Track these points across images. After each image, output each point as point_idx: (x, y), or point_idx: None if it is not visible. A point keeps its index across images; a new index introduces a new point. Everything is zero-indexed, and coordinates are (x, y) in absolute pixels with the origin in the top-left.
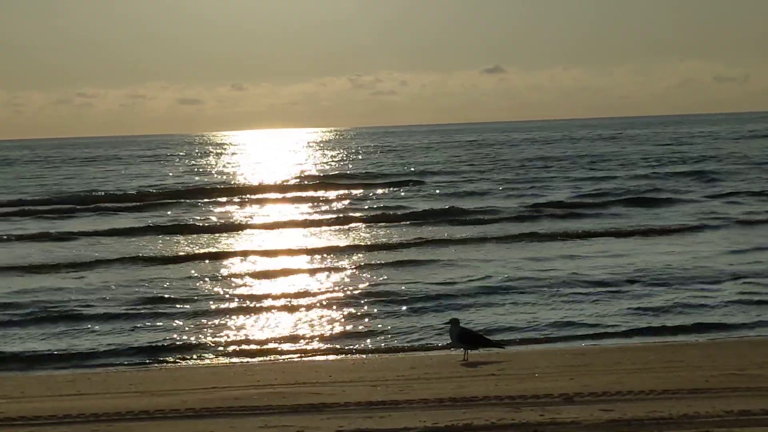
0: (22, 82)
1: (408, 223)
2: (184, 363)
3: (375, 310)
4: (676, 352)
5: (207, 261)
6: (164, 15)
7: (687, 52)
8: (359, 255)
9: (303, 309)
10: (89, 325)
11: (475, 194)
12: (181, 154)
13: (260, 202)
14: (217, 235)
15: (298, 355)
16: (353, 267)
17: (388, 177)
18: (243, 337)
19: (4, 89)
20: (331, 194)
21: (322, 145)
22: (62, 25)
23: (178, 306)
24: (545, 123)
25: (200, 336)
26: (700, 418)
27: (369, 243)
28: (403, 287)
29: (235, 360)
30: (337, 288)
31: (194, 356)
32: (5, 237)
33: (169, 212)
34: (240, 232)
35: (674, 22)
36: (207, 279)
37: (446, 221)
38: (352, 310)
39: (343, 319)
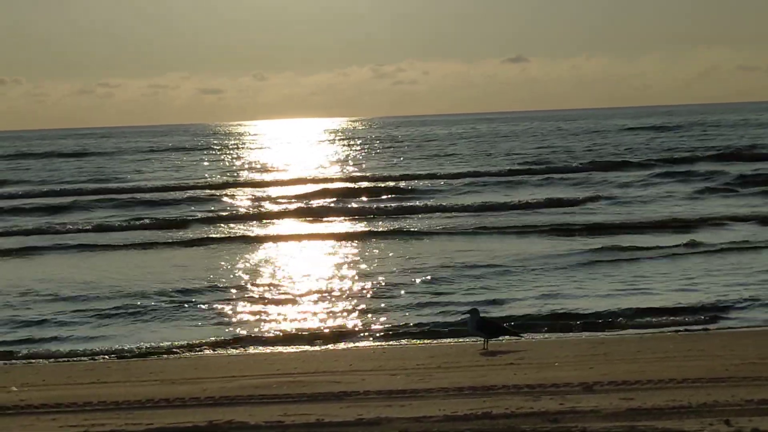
0: (43, 72)
1: None
2: (204, 352)
3: (397, 299)
4: (696, 341)
5: (230, 251)
6: (185, 5)
7: (710, 40)
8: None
9: (324, 298)
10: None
11: None
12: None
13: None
14: (246, 223)
15: (318, 344)
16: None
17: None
18: (263, 326)
19: (26, 79)
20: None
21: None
22: (84, 15)
23: (199, 295)
24: (585, 111)
25: (220, 325)
26: (720, 406)
27: None
28: None
29: (254, 349)
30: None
31: (214, 345)
32: None
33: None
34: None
35: (697, 10)
36: (229, 268)
37: None
38: (372, 298)
39: (362, 309)
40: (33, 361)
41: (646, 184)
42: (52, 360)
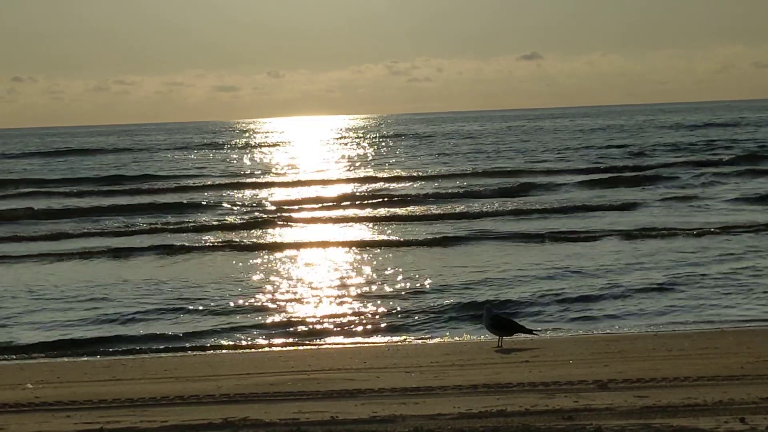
0: (59, 70)
1: None
2: (219, 349)
3: (411, 297)
4: (711, 339)
5: (245, 250)
6: (200, 3)
7: (726, 37)
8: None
9: (339, 296)
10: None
11: None
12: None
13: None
14: (280, 225)
15: (333, 341)
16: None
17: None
18: (278, 324)
19: (42, 77)
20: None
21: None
22: (98, 13)
23: (213, 294)
24: (605, 109)
25: (235, 323)
26: (735, 404)
27: None
28: None
29: (269, 346)
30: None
31: (229, 342)
32: None
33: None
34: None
35: (711, 8)
36: (244, 267)
37: None
38: (388, 296)
39: (377, 306)
40: (50, 359)
41: None
42: (67, 357)
